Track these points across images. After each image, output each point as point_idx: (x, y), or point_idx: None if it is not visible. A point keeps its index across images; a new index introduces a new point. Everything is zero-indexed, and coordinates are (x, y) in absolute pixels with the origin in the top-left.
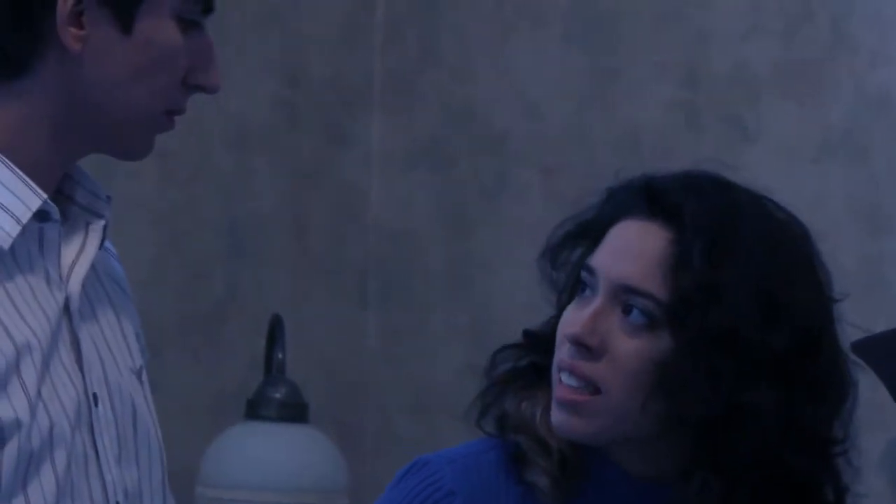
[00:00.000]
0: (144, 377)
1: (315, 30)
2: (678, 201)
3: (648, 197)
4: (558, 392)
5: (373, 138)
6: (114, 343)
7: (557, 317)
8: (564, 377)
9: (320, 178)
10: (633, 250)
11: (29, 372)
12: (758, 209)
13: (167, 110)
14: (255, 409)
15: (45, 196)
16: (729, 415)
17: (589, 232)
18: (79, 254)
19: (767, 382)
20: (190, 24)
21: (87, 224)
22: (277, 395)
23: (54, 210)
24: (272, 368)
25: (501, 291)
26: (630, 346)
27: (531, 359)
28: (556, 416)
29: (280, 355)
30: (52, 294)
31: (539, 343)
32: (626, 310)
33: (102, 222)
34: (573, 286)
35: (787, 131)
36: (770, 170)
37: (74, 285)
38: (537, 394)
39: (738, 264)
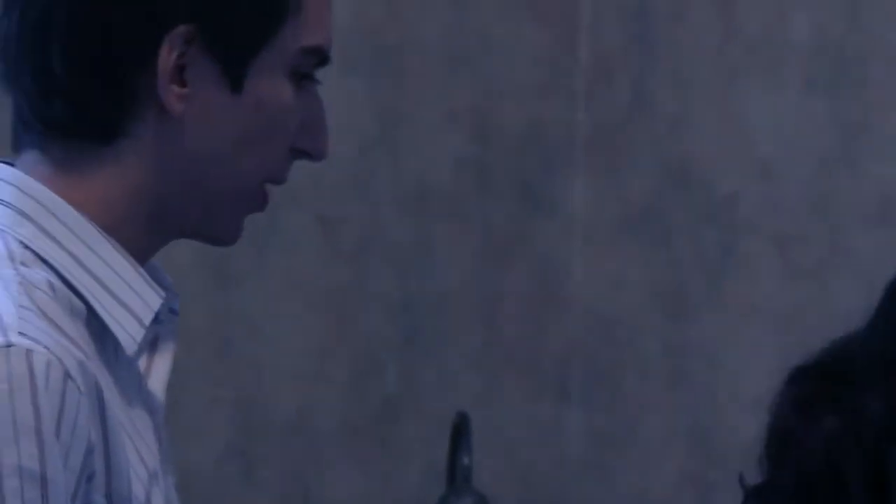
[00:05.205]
0: None
1: (508, 74)
2: None
3: None
4: None
5: (576, 203)
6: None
7: None
8: None
9: (513, 250)
10: None
11: None
12: None
13: (265, 180)
14: None
15: (162, 293)
16: None
17: None
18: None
19: None
20: (304, 79)
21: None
22: None
23: (163, 309)
24: (456, 477)
25: (728, 386)
26: None
27: None
28: None
29: (466, 461)
30: (149, 405)
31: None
32: None
33: (177, 318)
34: None
35: None
36: None
37: (159, 395)
38: None
39: None
